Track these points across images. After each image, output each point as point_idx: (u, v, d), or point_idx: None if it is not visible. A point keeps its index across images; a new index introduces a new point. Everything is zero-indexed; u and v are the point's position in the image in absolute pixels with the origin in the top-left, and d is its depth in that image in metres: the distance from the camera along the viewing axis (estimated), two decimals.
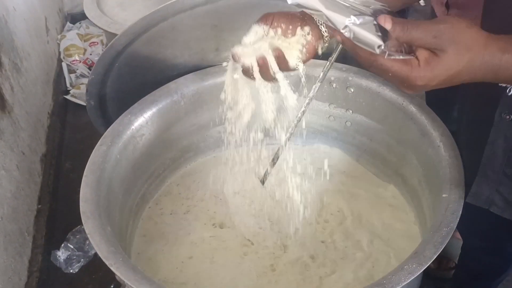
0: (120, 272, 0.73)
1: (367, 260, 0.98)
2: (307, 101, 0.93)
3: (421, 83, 0.58)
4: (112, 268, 0.74)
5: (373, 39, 0.58)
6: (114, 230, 0.85)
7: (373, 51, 0.59)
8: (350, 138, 1.20)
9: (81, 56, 2.35)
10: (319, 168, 1.10)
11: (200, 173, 1.21)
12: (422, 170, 0.98)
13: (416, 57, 0.58)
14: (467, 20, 0.58)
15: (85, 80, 2.25)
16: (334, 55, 0.87)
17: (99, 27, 1.41)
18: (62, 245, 1.51)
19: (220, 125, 1.23)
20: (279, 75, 0.75)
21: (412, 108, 0.99)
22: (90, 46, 2.39)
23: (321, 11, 0.62)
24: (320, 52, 0.78)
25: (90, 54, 2.35)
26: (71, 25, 2.61)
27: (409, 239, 1.01)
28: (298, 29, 0.75)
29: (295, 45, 0.75)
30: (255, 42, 0.75)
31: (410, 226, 1.05)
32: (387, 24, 0.56)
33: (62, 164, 1.89)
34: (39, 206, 1.62)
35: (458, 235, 1.49)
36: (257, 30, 0.76)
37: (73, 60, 2.34)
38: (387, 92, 1.04)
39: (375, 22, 0.59)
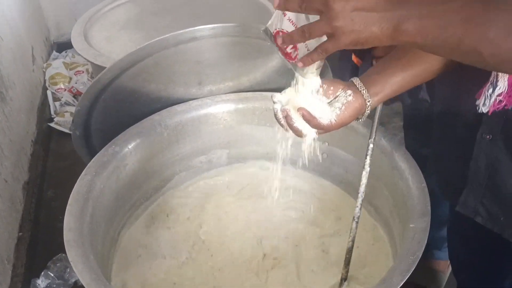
0: None
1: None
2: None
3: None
4: None
5: None
6: (96, 258, 0.87)
7: None
8: (327, 169, 1.25)
9: (66, 84, 2.39)
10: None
11: (181, 202, 1.25)
12: (393, 201, 1.03)
13: None
14: None
15: (70, 108, 2.28)
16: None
17: (86, 59, 1.45)
18: (42, 273, 1.51)
19: (202, 155, 1.28)
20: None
21: (384, 143, 1.05)
22: (75, 74, 2.43)
23: None
24: (361, 117, 0.83)
25: (76, 83, 2.38)
26: (57, 53, 2.65)
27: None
28: (340, 90, 0.80)
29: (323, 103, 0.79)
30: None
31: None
32: None
33: (44, 192, 1.90)
34: (20, 234, 1.62)
35: (432, 264, 1.55)
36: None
37: (58, 88, 2.37)
38: (360, 126, 1.10)
39: None
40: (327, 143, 1.21)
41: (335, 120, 0.78)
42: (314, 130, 0.80)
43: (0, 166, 1.56)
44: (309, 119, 0.77)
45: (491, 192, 0.80)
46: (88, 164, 1.02)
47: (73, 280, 1.50)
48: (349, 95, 0.79)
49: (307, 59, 0.69)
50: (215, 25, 1.03)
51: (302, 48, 0.71)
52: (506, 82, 0.68)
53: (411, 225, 0.86)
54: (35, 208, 1.77)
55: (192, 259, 1.10)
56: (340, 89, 0.80)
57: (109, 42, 1.51)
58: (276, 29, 0.73)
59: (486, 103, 0.71)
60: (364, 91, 0.80)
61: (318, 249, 1.12)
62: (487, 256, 0.99)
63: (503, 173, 0.77)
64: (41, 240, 1.69)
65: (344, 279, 1.01)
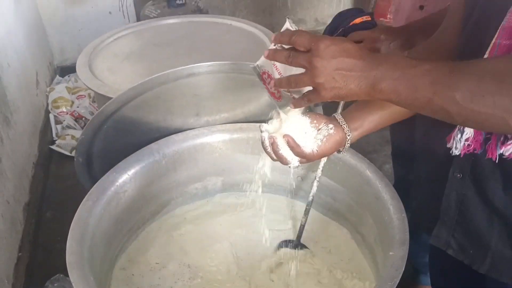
0: None
1: None
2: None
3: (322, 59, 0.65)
4: None
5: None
6: (95, 279, 0.93)
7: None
8: (316, 197, 1.31)
9: (68, 108, 2.46)
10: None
11: (178, 226, 1.30)
12: (377, 230, 1.09)
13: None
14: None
15: (71, 131, 2.35)
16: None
17: (90, 88, 1.52)
18: None
19: (198, 182, 1.34)
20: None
21: (368, 174, 1.12)
22: (77, 99, 2.50)
23: None
24: (342, 150, 0.91)
25: (77, 107, 2.45)
26: (60, 78, 2.73)
27: None
28: (322, 124, 0.86)
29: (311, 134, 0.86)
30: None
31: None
32: None
33: (44, 213, 1.95)
34: (20, 254, 1.67)
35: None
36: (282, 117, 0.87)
37: (60, 112, 2.44)
38: (347, 157, 1.17)
39: None
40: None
41: (317, 150, 0.85)
42: (297, 158, 0.87)
43: (3, 188, 1.62)
44: (293, 146, 0.84)
45: (461, 226, 0.87)
46: (90, 191, 1.09)
47: None
48: (331, 128, 0.86)
49: (296, 104, 0.77)
50: (212, 62, 1.10)
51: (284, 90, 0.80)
52: (472, 129, 0.75)
53: (390, 253, 0.92)
54: (34, 229, 1.82)
55: None
56: (323, 123, 0.87)
57: (112, 72, 1.58)
58: (263, 70, 0.81)
59: (457, 147, 0.78)
60: (345, 126, 0.87)
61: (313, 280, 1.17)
62: (466, 285, 1.04)
63: (471, 209, 0.83)
64: (39, 261, 1.73)
65: (303, 225, 1.20)
